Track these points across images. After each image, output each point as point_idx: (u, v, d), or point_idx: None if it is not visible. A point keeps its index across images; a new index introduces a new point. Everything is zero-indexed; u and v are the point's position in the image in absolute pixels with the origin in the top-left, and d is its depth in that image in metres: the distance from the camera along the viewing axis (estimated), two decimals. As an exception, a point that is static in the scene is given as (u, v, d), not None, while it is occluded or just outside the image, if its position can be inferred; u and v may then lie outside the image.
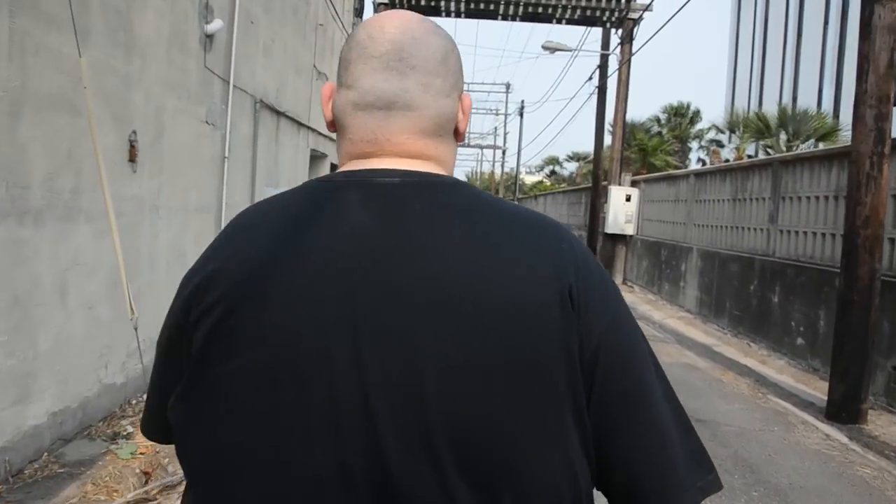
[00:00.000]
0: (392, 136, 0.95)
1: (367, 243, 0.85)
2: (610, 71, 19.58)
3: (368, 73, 0.94)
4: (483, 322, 0.82)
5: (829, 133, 14.33)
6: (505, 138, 65.79)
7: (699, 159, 36.98)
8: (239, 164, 7.86)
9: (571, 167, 45.49)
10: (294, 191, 0.96)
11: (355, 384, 0.81)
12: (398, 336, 0.82)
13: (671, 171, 15.72)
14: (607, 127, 21.14)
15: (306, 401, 0.82)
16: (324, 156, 13.00)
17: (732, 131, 17.05)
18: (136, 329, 4.69)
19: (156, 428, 1.02)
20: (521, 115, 50.90)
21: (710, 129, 38.27)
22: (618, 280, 17.90)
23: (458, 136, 1.02)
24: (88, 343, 4.86)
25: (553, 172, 48.05)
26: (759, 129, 15.30)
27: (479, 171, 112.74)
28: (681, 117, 36.13)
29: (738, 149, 16.96)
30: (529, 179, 65.48)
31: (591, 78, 20.94)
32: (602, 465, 0.88)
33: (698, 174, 13.63)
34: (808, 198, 9.20)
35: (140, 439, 4.78)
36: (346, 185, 0.92)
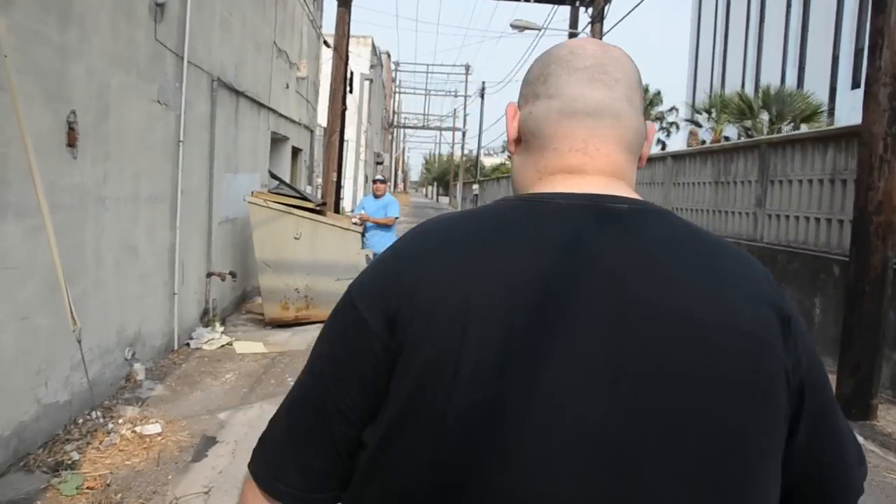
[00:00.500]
0: (601, 146, 0.95)
1: (610, 271, 0.85)
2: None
3: (574, 83, 0.96)
4: (731, 348, 0.84)
5: (813, 114, 13.91)
6: (465, 120, 65.30)
7: (659, 141, 36.87)
8: (195, 147, 7.13)
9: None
10: (499, 209, 0.93)
11: (605, 412, 0.80)
12: (652, 364, 0.82)
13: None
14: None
15: (554, 432, 0.80)
16: (285, 139, 12.26)
17: (709, 112, 16.59)
18: (79, 340, 4.02)
19: (308, 471, 0.91)
20: (482, 96, 50.29)
21: (671, 110, 38.25)
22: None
23: (640, 161, 1.03)
24: (23, 358, 4.17)
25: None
26: (741, 109, 14.81)
27: (437, 153, 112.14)
28: (641, 99, 35.80)
29: (715, 130, 16.47)
30: (489, 162, 65.07)
31: (558, 57, 20.40)
32: (791, 475, 0.91)
33: (676, 156, 13.21)
34: (801, 181, 8.79)
35: (88, 468, 4.12)
36: (574, 209, 0.90)
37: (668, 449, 0.81)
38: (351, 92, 18.67)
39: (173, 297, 6.71)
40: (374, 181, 9.65)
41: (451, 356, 0.81)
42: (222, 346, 7.30)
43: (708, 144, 14.52)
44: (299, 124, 13.55)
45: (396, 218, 9.29)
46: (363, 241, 9.29)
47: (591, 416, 0.80)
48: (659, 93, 37.92)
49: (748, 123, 14.98)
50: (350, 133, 30.16)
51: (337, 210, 17.55)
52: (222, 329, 7.78)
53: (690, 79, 40.14)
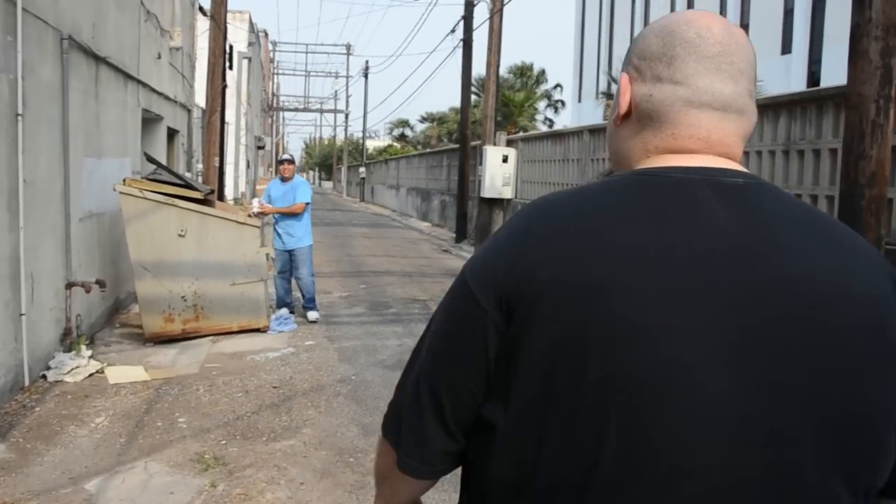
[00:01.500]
0: (725, 138, 0.95)
1: (733, 242, 0.86)
2: (476, 23, 18.10)
3: (703, 72, 0.94)
4: (854, 316, 0.85)
5: None
6: (347, 102, 63.35)
7: (546, 119, 36.61)
8: (42, 125, 5.54)
9: (423, 129, 43.88)
10: (615, 184, 0.93)
11: (735, 381, 0.82)
12: (780, 333, 0.83)
13: (557, 129, 14.45)
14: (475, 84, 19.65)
15: (688, 403, 0.81)
16: (158, 118, 10.55)
17: (614, 81, 15.93)
18: None
19: (425, 446, 0.97)
20: (366, 76, 48.70)
21: (556, 87, 38.06)
22: (496, 248, 16.61)
23: None
24: None
25: (402, 136, 46.30)
26: None
27: (318, 137, 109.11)
28: (526, 78, 35.46)
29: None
30: (373, 145, 63.39)
31: (453, 31, 19.35)
32: None
33: (594, 130, 12.41)
34: (753, 152, 8.06)
35: None
36: (693, 182, 0.90)
37: (802, 416, 0.82)
38: (231, 68, 16.91)
39: (20, 319, 5.16)
40: (281, 161, 8.13)
41: (583, 330, 0.82)
42: (91, 374, 5.77)
43: None
44: (175, 102, 11.82)
45: (307, 204, 7.82)
46: (276, 237, 7.91)
47: (722, 386, 0.81)
48: (543, 71, 37.51)
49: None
50: (230, 115, 28.05)
51: (220, 199, 15.83)
52: (90, 352, 6.22)
53: (577, 57, 40.10)
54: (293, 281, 8.01)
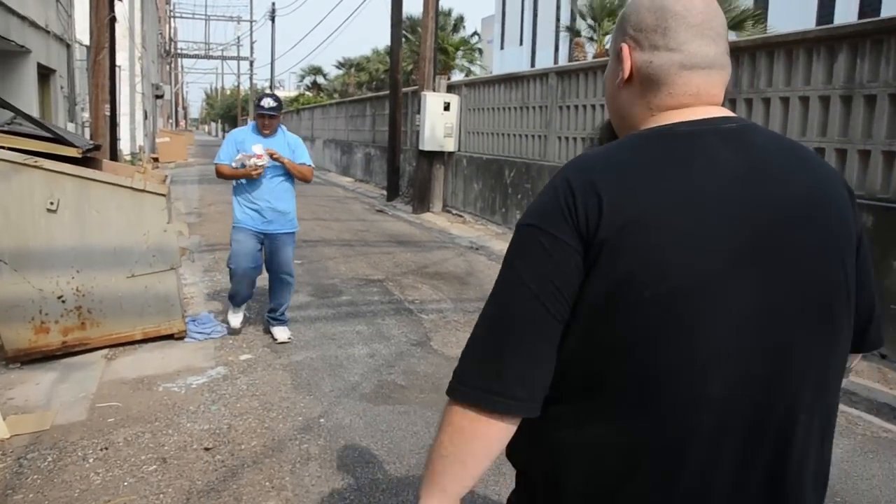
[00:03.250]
0: (710, 90, 1.20)
1: (740, 176, 1.11)
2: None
3: (691, 39, 1.17)
4: (833, 218, 1.16)
5: (744, 20, 11.40)
6: (252, 48, 59.50)
7: (464, 68, 34.59)
8: None
9: (339, 77, 40.94)
10: (641, 139, 1.16)
11: (754, 282, 1.08)
12: (797, 244, 1.11)
13: (513, 72, 12.55)
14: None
15: (723, 306, 1.06)
16: (23, 51, 8.13)
17: (594, 19, 13.86)
18: None
19: (527, 381, 1.11)
20: (273, 19, 45.28)
21: (473, 34, 35.99)
22: (436, 207, 14.80)
23: None
24: None
25: (315, 84, 43.28)
26: None
27: (219, 86, 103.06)
28: (443, 24, 33.20)
29: (598, 41, 13.88)
30: (280, 95, 59.86)
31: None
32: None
33: (563, 73, 10.63)
34: (795, 98, 6.48)
35: None
36: (702, 132, 1.15)
37: (805, 300, 1.11)
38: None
39: None
40: (260, 110, 5.13)
41: (642, 258, 1.05)
42: None
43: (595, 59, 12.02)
44: (47, 32, 9.34)
45: (312, 168, 5.43)
46: (245, 210, 5.24)
47: (746, 288, 1.07)
48: (462, 18, 35.35)
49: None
50: (122, 58, 24.89)
51: (114, 157, 13.33)
52: (-88, 393, 4.12)
53: (499, 2, 38.08)
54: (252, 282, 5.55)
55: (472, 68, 22.10)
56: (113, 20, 12.95)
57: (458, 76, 27.80)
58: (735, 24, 10.44)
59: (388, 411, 4.22)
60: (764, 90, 6.89)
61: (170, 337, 5.33)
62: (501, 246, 10.73)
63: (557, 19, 32.45)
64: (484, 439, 1.13)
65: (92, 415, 4.07)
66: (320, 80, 43.09)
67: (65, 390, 4.42)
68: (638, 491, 1.10)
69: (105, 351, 5.09)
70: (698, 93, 1.18)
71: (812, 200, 1.14)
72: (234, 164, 5.15)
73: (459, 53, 21.66)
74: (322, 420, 4.06)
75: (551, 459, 1.17)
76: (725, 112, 1.19)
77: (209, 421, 4.00)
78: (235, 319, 5.63)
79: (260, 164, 5.09)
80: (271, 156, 5.12)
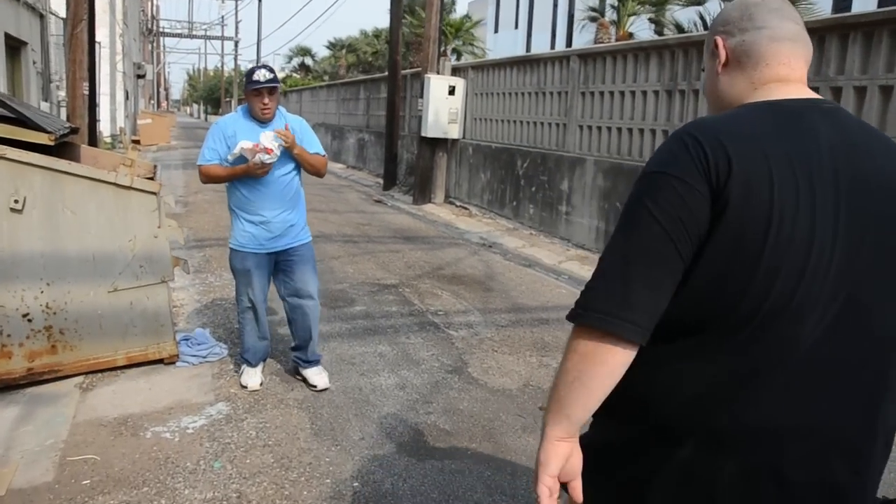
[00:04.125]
0: (796, 60, 1.38)
1: (837, 149, 1.27)
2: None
3: (774, 18, 1.39)
4: None
5: None
6: (237, 27, 58.12)
7: (460, 51, 33.58)
8: None
9: (328, 58, 39.69)
10: (754, 111, 1.33)
11: (843, 243, 1.23)
12: (884, 213, 1.26)
13: (528, 54, 11.70)
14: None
15: (819, 258, 1.22)
16: (21, 44, 7.17)
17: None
18: None
19: (651, 311, 1.24)
20: (260, -2, 43.84)
21: (464, 18, 34.94)
22: (438, 198, 13.93)
23: None
24: None
25: (303, 65, 41.99)
26: None
27: (202, 67, 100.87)
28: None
29: (621, 24, 12.87)
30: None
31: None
32: None
33: (585, 56, 9.76)
34: (864, 87, 5.68)
35: None
36: (806, 108, 1.32)
37: (888, 263, 1.26)
38: (101, -32, 13.20)
39: None
40: (254, 86, 3.87)
41: (768, 209, 1.19)
42: None
43: (661, 38, 11.10)
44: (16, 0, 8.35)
45: (326, 159, 4.29)
46: (242, 226, 4.04)
47: (841, 244, 1.23)
48: (454, 0, 34.30)
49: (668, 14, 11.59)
50: (102, 34, 23.72)
51: (93, 140, 12.34)
52: None
53: (493, -18, 36.98)
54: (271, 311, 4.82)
55: (473, 51, 21.10)
56: (93, -9, 11.94)
57: (452, 60, 26.82)
58: None
59: (436, 470, 3.38)
60: (834, 78, 6.09)
61: (158, 362, 4.46)
62: (515, 243, 9.91)
63: (555, 4, 31.52)
64: (609, 364, 1.24)
65: (62, 473, 3.21)
66: (308, 61, 41.84)
67: (28, 435, 3.56)
68: (735, 419, 1.25)
69: (80, 379, 4.22)
70: (790, 63, 1.37)
71: (892, 176, 1.29)
72: (229, 159, 3.91)
73: (457, 37, 20.63)
74: (356, 484, 3.21)
75: (653, 392, 1.31)
76: (817, 95, 1.37)
77: (212, 485, 3.15)
78: (253, 380, 4.25)
79: (269, 159, 3.85)
80: (284, 144, 3.89)
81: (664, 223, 1.21)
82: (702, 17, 12.79)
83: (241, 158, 3.90)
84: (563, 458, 1.30)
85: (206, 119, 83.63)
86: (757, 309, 1.21)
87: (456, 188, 13.67)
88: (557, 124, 10.37)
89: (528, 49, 32.51)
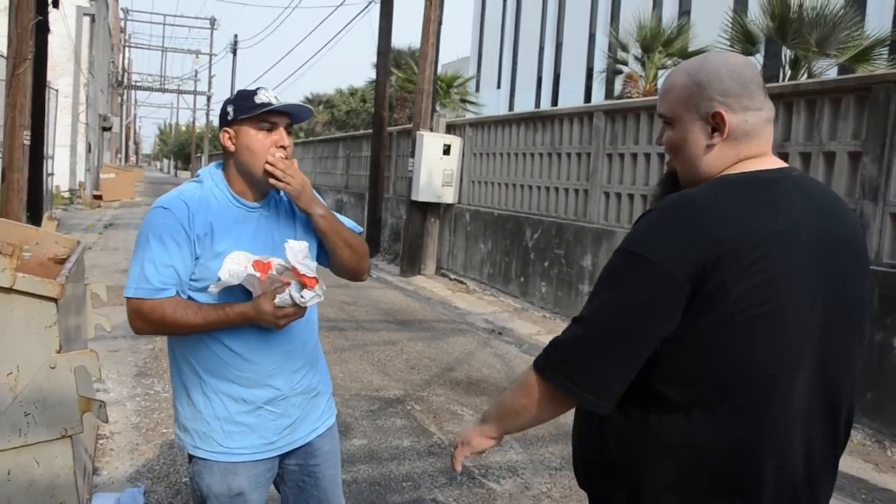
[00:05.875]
0: (771, 139, 1.49)
1: (809, 216, 1.39)
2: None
3: (767, 99, 1.46)
4: (863, 255, 1.50)
5: (868, 49, 9.00)
6: (210, 82, 57.07)
7: (456, 107, 32.56)
8: None
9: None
10: (734, 183, 1.42)
11: (821, 304, 1.38)
12: (842, 270, 1.42)
13: (539, 110, 10.39)
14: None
15: (803, 319, 1.36)
16: None
17: (645, 50, 11.49)
18: None
19: (608, 387, 1.37)
20: (234, 52, 42.89)
21: (458, 76, 34.10)
22: (428, 269, 12.41)
23: None
24: None
25: (277, 122, 40.56)
26: (746, 34, 9.71)
27: (174, 122, 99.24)
28: (414, 63, 31.27)
29: (647, 77, 11.57)
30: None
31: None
32: None
33: (611, 112, 8.43)
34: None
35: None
36: (780, 179, 1.43)
37: (852, 317, 1.44)
38: (56, 6, 11.76)
39: None
40: (256, 110, 1.97)
41: (762, 279, 1.31)
42: None
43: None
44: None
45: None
46: (246, 416, 2.03)
47: (819, 304, 1.38)
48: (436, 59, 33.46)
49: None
50: (65, 84, 22.24)
51: (35, 196, 10.67)
52: None
53: (476, 42, 36.37)
54: None
55: (468, 108, 19.89)
56: (43, 27, 10.47)
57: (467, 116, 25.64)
58: (857, 55, 8.23)
59: None
60: (782, 144, 4.78)
61: (54, 560, 2.82)
62: (529, 328, 8.39)
63: (540, 62, 30.78)
64: (553, 413, 1.46)
65: None
66: (283, 117, 40.50)
67: None
68: (732, 482, 1.36)
69: None
70: (768, 142, 1.47)
71: (855, 239, 1.48)
72: (211, 290, 1.96)
73: (454, 92, 19.44)
74: None
75: (651, 461, 1.39)
76: (783, 162, 1.49)
77: None
78: None
79: (310, 301, 1.94)
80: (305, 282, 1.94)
81: (645, 314, 1.34)
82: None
83: (236, 291, 2.00)
84: (483, 446, 1.58)
85: (175, 174, 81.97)
86: (755, 373, 1.35)
87: (450, 259, 12.18)
88: (577, 189, 8.98)
89: (511, 108, 31.60)
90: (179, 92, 62.48)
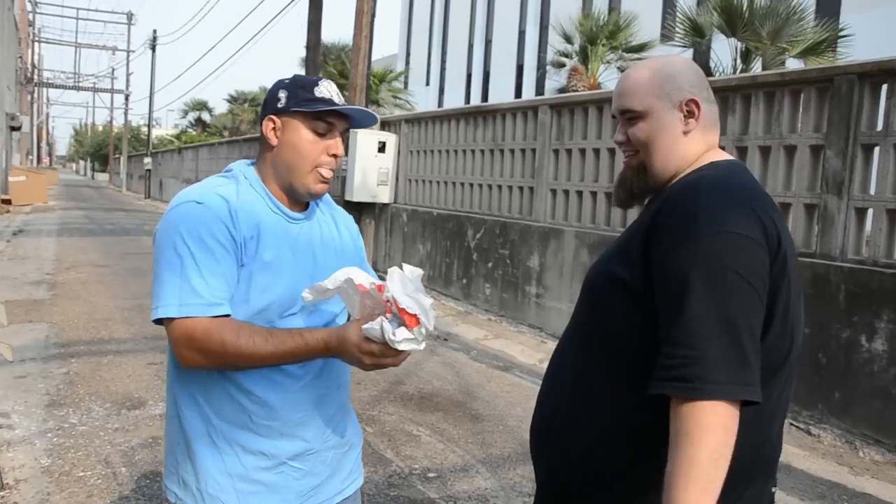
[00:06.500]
0: None
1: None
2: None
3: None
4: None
5: (820, 42, 9.02)
6: (128, 80, 54.82)
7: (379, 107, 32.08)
8: None
9: (227, 112, 37.22)
10: (736, 167, 1.46)
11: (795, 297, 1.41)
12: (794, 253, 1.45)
13: (480, 105, 10.01)
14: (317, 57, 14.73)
15: (796, 298, 1.39)
16: None
17: (590, 42, 11.21)
18: None
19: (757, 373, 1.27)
20: (153, 48, 41.18)
21: (390, 71, 33.65)
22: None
23: None
24: None
25: (200, 120, 39.31)
26: (695, 28, 9.47)
27: (90, 121, 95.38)
28: (346, 57, 30.71)
29: (592, 70, 11.22)
30: (157, 134, 55.11)
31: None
32: None
33: (559, 105, 8.12)
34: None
35: None
36: (741, 164, 1.52)
37: (800, 303, 1.50)
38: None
39: None
40: (317, 105, 1.59)
41: (788, 260, 1.34)
42: None
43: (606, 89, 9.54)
44: None
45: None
46: (267, 474, 1.59)
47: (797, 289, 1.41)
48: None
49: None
50: (-36, 81, 20.79)
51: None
52: None
53: (404, 39, 35.93)
54: None
55: (400, 104, 19.45)
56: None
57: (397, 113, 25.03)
58: (807, 49, 8.15)
59: None
60: (740, 137, 4.62)
61: None
62: (475, 332, 8.03)
63: (469, 60, 30.56)
64: (736, 432, 1.22)
65: None
66: (206, 116, 39.25)
67: None
68: (769, 453, 1.41)
69: None
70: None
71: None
72: (307, 298, 1.51)
73: (384, 88, 18.96)
74: None
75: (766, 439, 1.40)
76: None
77: None
78: None
79: (409, 340, 1.39)
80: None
81: (756, 287, 1.27)
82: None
83: (323, 311, 1.70)
84: None
85: (93, 177, 78.71)
86: (793, 343, 1.38)
87: (387, 261, 11.72)
88: (522, 187, 8.65)
89: (440, 105, 31.29)
90: (95, 90, 59.79)
